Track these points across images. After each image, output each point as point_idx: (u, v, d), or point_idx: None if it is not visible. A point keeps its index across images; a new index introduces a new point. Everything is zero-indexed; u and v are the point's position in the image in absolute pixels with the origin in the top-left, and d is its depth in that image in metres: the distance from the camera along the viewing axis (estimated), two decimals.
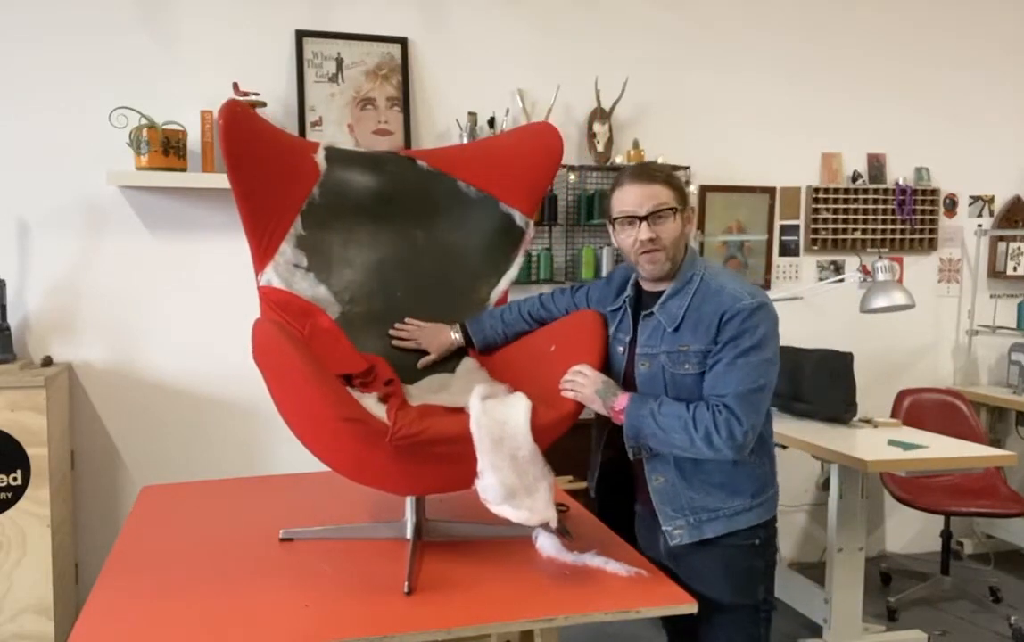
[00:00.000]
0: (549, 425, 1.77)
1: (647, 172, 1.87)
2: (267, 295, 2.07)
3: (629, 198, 1.85)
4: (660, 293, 1.88)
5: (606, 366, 1.95)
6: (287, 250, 2.11)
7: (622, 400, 1.82)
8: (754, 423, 1.73)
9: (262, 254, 2.08)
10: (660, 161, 3.77)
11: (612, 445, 1.93)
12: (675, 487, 1.83)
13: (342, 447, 1.73)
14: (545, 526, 1.75)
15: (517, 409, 1.72)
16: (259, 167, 2.08)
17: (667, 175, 1.87)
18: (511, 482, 1.65)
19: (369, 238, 2.27)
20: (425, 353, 2.20)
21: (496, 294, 2.30)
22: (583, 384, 1.85)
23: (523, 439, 1.68)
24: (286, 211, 2.13)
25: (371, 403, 1.83)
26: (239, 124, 2.03)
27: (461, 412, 1.75)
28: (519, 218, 2.30)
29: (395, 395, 1.92)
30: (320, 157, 2.25)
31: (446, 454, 1.69)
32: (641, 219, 1.82)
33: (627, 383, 1.90)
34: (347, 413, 1.65)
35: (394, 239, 2.29)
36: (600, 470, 2.07)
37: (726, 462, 1.79)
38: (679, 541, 1.83)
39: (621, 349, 1.95)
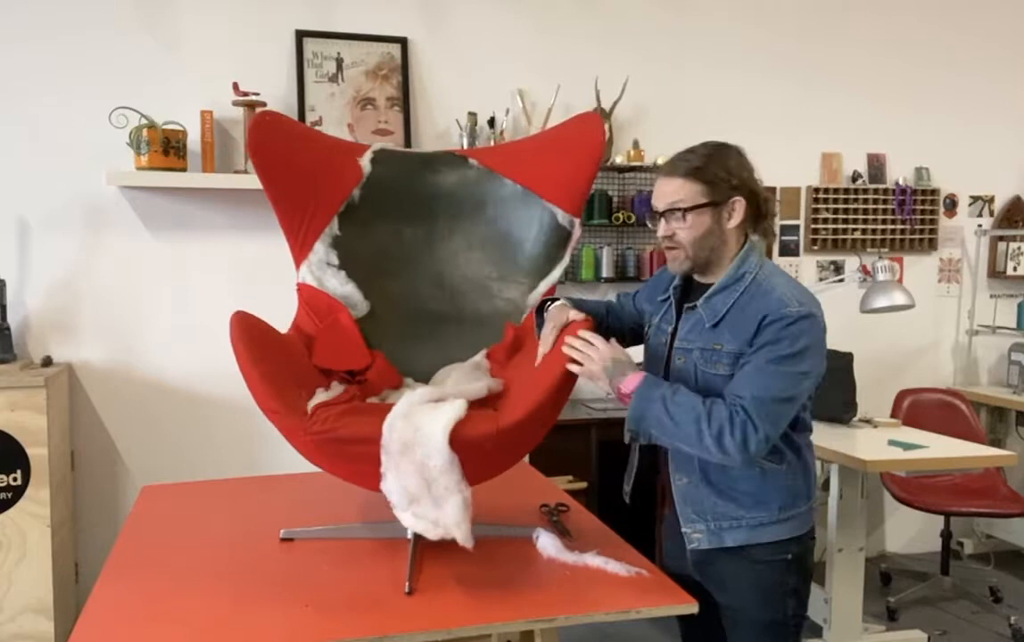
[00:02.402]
0: (479, 438, 1.66)
1: (673, 164, 1.77)
2: (300, 291, 2.19)
3: (656, 191, 1.79)
4: (708, 285, 1.78)
5: (648, 358, 1.90)
6: (320, 249, 2.19)
7: (632, 380, 1.68)
8: (769, 434, 1.62)
9: (298, 252, 2.20)
10: (660, 161, 3.78)
11: (649, 449, 1.85)
12: (698, 490, 1.75)
13: (285, 436, 1.78)
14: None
15: (438, 417, 1.65)
16: (290, 173, 2.17)
17: (694, 169, 1.74)
18: (414, 490, 1.62)
19: (411, 238, 2.29)
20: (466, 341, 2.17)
21: (534, 298, 2.21)
22: (591, 358, 1.70)
23: (435, 448, 1.61)
24: (321, 213, 2.21)
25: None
26: (266, 133, 2.14)
27: None
28: (562, 216, 2.20)
29: (349, 392, 1.92)
30: (366, 160, 2.28)
31: (363, 453, 1.67)
32: (660, 215, 1.76)
33: (665, 378, 1.81)
34: (271, 405, 1.71)
35: (436, 239, 2.30)
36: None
37: (755, 471, 1.71)
38: (697, 546, 1.76)
39: (664, 340, 1.85)
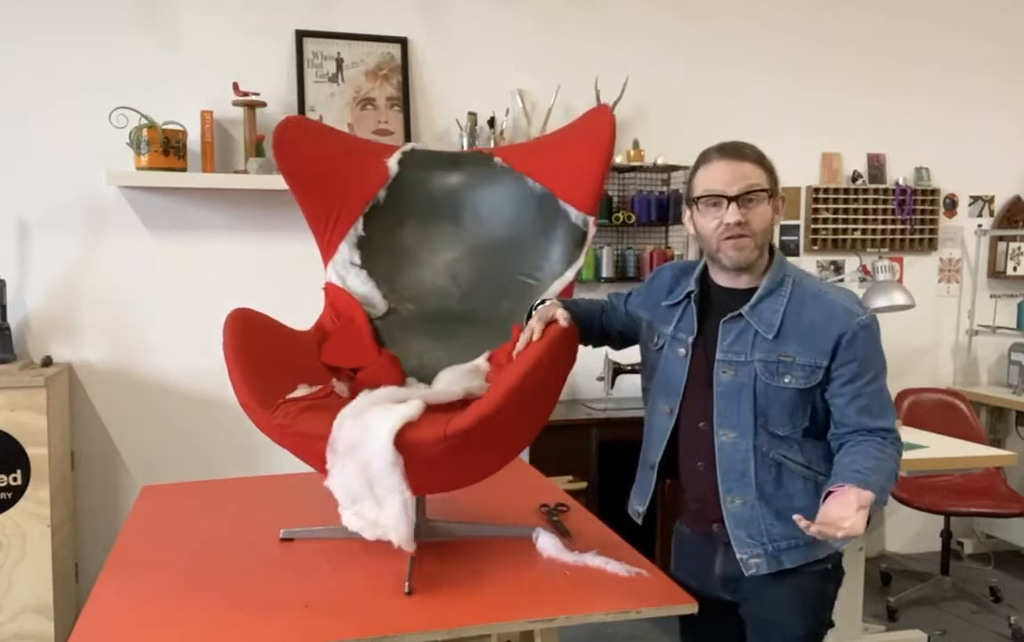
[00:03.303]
0: (424, 442, 1.62)
1: (737, 149, 1.67)
2: (326, 291, 2.24)
3: (716, 176, 1.65)
4: (739, 291, 1.69)
5: (657, 370, 1.78)
6: (344, 249, 2.24)
7: (867, 498, 1.50)
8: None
9: (326, 253, 2.25)
10: (660, 161, 3.78)
11: (669, 465, 1.77)
12: (754, 510, 1.66)
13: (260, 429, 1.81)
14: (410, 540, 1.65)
15: (386, 418, 1.64)
16: (316, 177, 2.23)
17: (759, 155, 1.68)
18: (355, 489, 1.62)
19: (432, 238, 2.30)
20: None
21: (546, 298, 2.07)
22: (854, 527, 1.45)
23: (380, 448, 1.59)
24: (346, 214, 2.25)
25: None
26: (292, 137, 2.22)
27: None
28: (574, 215, 2.14)
29: (325, 389, 1.93)
30: (393, 161, 2.31)
31: (320, 450, 1.69)
32: (730, 200, 1.62)
33: (690, 390, 1.71)
34: (243, 397, 1.75)
35: (457, 239, 2.30)
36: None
37: (810, 486, 1.66)
38: (755, 571, 1.66)
39: (683, 351, 1.72)
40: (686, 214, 1.76)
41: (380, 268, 2.25)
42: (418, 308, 2.25)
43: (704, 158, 1.70)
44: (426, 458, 1.62)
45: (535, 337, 1.73)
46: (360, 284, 2.22)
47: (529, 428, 1.85)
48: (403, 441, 1.60)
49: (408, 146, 2.39)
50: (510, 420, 1.69)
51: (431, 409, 1.71)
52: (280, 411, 1.73)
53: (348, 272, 2.23)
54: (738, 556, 1.67)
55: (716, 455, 1.68)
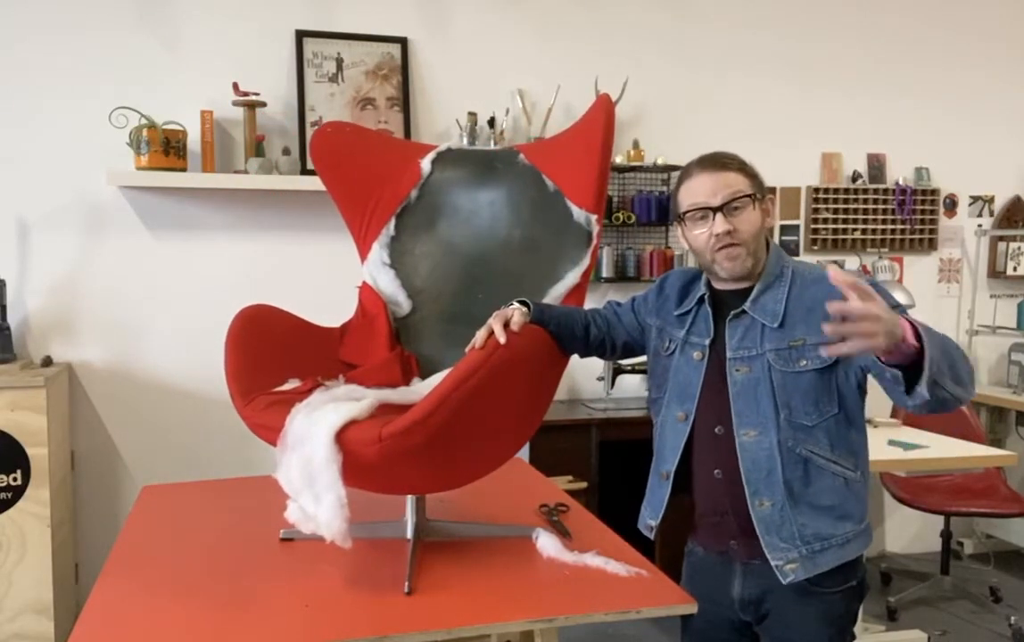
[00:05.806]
0: (359, 441, 1.59)
1: (718, 160, 1.68)
2: (360, 291, 2.29)
3: (700, 188, 1.66)
4: (743, 291, 1.69)
5: (669, 376, 1.75)
6: (376, 249, 2.27)
7: (906, 324, 1.35)
8: None
9: (362, 254, 2.30)
10: (660, 161, 3.78)
11: (683, 477, 1.72)
12: (783, 512, 1.61)
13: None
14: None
15: (332, 415, 1.63)
16: (353, 181, 2.29)
17: (740, 162, 1.69)
18: (296, 483, 1.63)
19: (458, 238, 2.31)
20: None
21: (549, 301, 2.04)
22: (876, 329, 1.31)
23: (319, 445, 1.59)
24: (380, 215, 2.29)
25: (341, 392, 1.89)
26: (330, 147, 2.28)
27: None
28: (576, 213, 2.10)
29: (308, 384, 1.92)
30: (426, 161, 2.33)
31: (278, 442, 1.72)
32: (715, 210, 1.63)
33: (706, 395, 1.69)
34: (229, 388, 1.79)
35: (481, 239, 2.29)
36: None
37: (839, 482, 1.62)
38: (793, 578, 1.60)
39: (698, 355, 1.71)
40: (677, 230, 1.78)
41: (407, 268, 2.28)
42: (440, 309, 2.25)
43: (686, 173, 1.71)
44: (364, 457, 1.59)
45: (478, 344, 1.63)
46: (388, 283, 2.24)
47: (503, 432, 1.77)
48: (343, 439, 1.59)
49: (444, 146, 2.40)
50: (459, 425, 1.59)
51: (399, 411, 1.64)
52: (253, 402, 1.76)
53: (379, 272, 2.26)
54: (772, 563, 1.62)
55: (739, 457, 1.64)
